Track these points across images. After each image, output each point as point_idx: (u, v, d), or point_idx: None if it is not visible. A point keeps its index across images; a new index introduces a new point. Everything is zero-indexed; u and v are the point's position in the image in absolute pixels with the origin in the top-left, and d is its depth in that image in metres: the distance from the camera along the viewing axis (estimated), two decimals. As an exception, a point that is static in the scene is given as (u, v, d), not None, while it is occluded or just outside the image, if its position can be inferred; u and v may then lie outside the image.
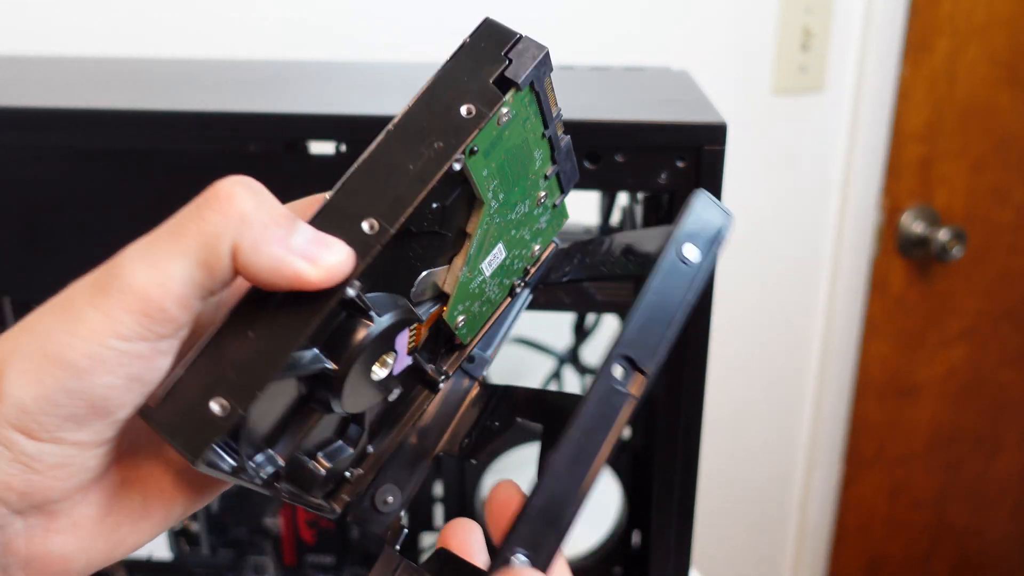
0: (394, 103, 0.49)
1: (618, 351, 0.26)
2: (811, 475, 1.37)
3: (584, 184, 0.43)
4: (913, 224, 1.28)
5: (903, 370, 1.37)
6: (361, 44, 0.92)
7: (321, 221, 0.25)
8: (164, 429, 0.23)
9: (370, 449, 0.32)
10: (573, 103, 0.52)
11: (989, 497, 1.49)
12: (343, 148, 0.44)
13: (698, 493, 0.47)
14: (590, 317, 0.73)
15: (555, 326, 0.76)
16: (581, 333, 0.74)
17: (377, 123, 0.44)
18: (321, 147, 0.44)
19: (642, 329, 0.26)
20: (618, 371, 0.26)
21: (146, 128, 0.44)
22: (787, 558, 1.43)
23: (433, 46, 0.93)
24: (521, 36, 0.26)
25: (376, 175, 0.26)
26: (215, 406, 0.23)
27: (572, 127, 0.43)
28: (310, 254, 0.23)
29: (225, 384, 0.23)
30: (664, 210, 0.46)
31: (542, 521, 0.25)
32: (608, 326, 0.76)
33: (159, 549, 0.63)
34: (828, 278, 1.27)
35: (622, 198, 0.64)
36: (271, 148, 0.44)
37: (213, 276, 0.23)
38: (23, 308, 0.60)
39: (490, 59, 0.26)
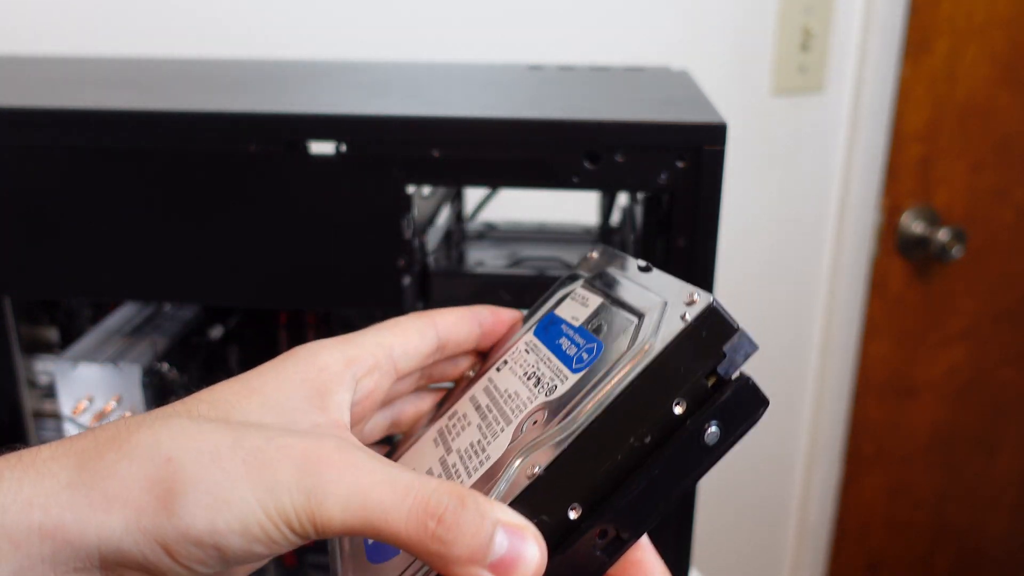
0: (394, 103, 0.49)
1: (607, 520, 0.25)
2: (811, 475, 1.37)
3: (584, 184, 0.43)
4: (913, 224, 1.28)
5: (903, 370, 1.37)
6: (361, 44, 0.92)
7: (533, 497, 0.25)
8: None
9: None
10: (573, 103, 0.52)
11: (989, 497, 1.48)
12: (343, 148, 0.44)
13: (698, 493, 0.47)
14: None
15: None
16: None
17: (377, 123, 0.44)
18: (321, 147, 0.44)
19: (637, 502, 0.25)
20: (599, 538, 0.25)
21: (146, 128, 0.44)
22: (787, 558, 1.43)
23: (434, 45, 0.93)
24: (740, 330, 0.26)
25: (587, 456, 0.25)
26: None
27: (572, 127, 0.43)
28: (504, 569, 0.24)
29: None
30: (664, 210, 0.46)
31: None
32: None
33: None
34: (828, 278, 1.27)
35: (622, 198, 0.64)
36: (271, 148, 0.44)
37: None
38: (23, 308, 0.60)
39: (708, 352, 0.26)
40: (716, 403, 0.26)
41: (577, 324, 0.31)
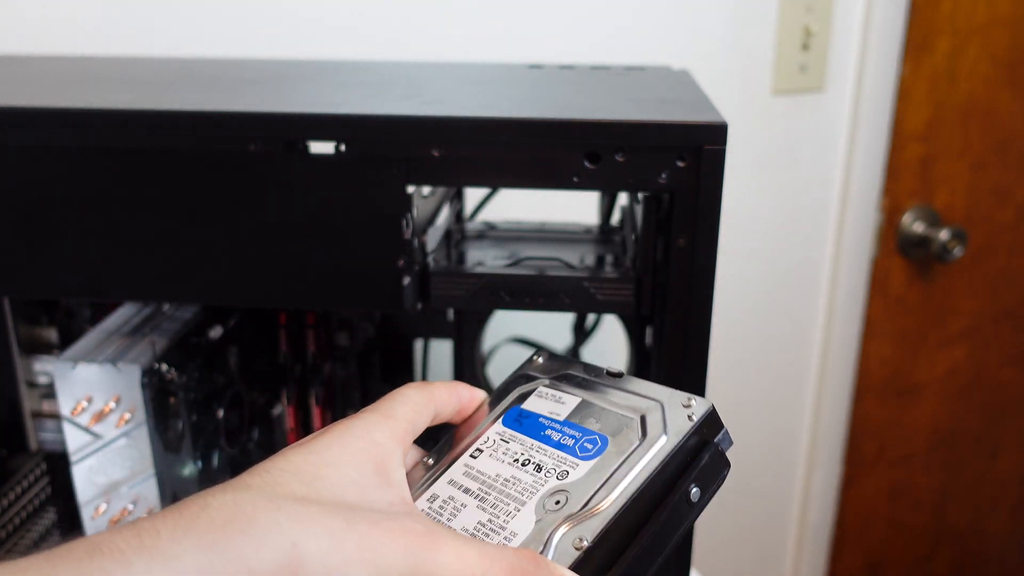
0: (394, 103, 0.49)
1: (624, 572, 0.30)
2: (811, 475, 1.37)
3: (584, 184, 0.43)
4: (913, 224, 1.28)
5: (903, 370, 1.37)
6: (361, 44, 0.92)
7: (581, 563, 0.30)
8: None
9: None
10: (573, 103, 0.52)
11: (989, 497, 1.49)
12: (343, 148, 0.44)
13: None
14: (590, 317, 0.73)
15: (555, 326, 0.76)
16: (581, 333, 0.74)
17: (377, 123, 0.44)
18: (321, 147, 0.44)
19: (638, 561, 0.31)
20: None
21: (146, 128, 0.44)
22: (787, 558, 1.43)
23: (434, 45, 0.93)
24: (725, 428, 0.34)
25: (622, 528, 0.31)
26: None
27: (572, 127, 0.43)
28: None
29: None
30: (664, 210, 0.46)
31: None
32: (608, 327, 0.76)
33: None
34: (828, 278, 1.27)
35: (622, 198, 0.64)
36: (271, 148, 0.44)
37: None
38: (23, 308, 0.60)
39: (706, 443, 0.33)
40: (697, 466, 0.33)
41: (561, 418, 0.36)
